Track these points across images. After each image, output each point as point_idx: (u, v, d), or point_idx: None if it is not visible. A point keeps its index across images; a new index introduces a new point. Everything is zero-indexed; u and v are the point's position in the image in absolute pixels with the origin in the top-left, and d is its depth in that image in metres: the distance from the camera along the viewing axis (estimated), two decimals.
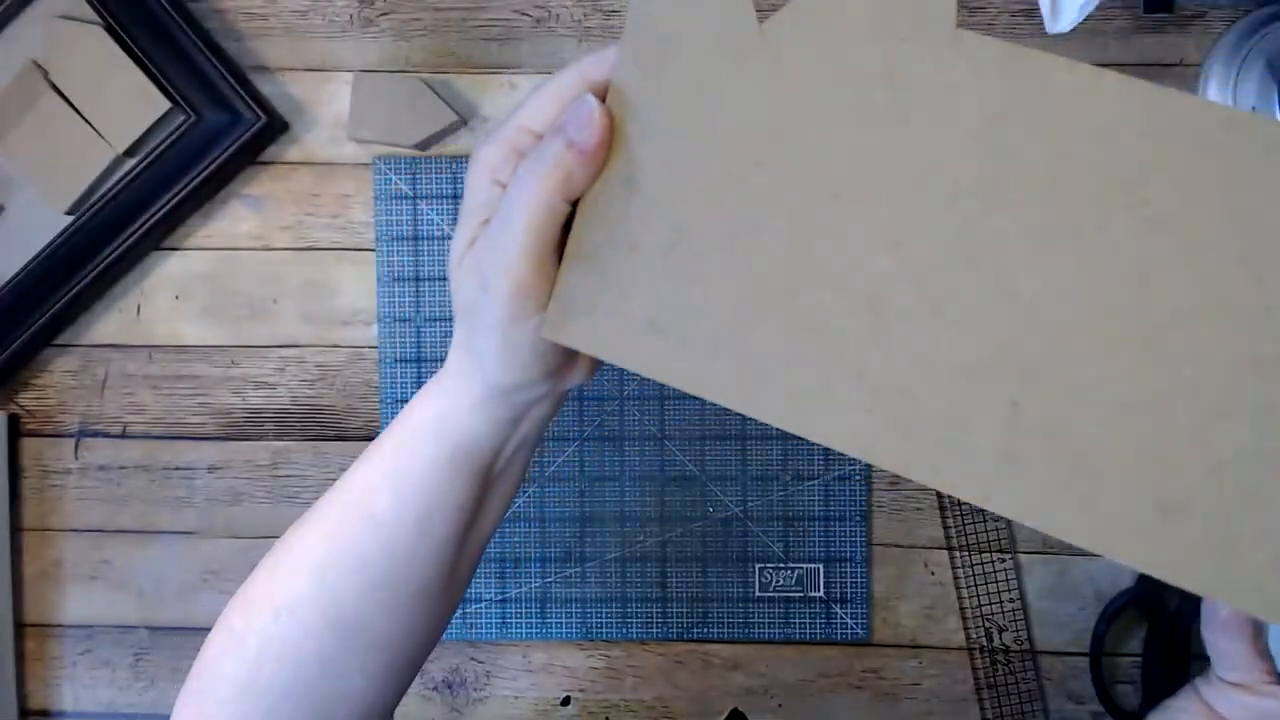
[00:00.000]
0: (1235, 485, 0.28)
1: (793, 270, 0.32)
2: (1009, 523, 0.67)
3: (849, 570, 0.67)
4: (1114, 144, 0.29)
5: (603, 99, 0.34)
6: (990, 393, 0.30)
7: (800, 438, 0.69)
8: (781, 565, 0.67)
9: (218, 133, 0.65)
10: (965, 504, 0.67)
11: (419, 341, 0.68)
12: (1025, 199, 0.29)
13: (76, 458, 0.69)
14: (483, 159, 0.35)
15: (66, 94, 0.65)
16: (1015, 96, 0.29)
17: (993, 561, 0.67)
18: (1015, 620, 0.67)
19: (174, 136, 0.64)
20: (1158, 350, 0.29)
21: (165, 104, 0.64)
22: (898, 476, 0.67)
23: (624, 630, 0.68)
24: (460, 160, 0.68)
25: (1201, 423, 0.28)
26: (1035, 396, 0.30)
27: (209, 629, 0.42)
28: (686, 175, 0.33)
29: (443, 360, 0.68)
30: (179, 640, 0.69)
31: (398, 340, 0.68)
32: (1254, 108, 0.62)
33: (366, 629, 0.40)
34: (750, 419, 0.67)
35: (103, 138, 0.65)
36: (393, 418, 0.68)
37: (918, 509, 0.67)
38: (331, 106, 0.68)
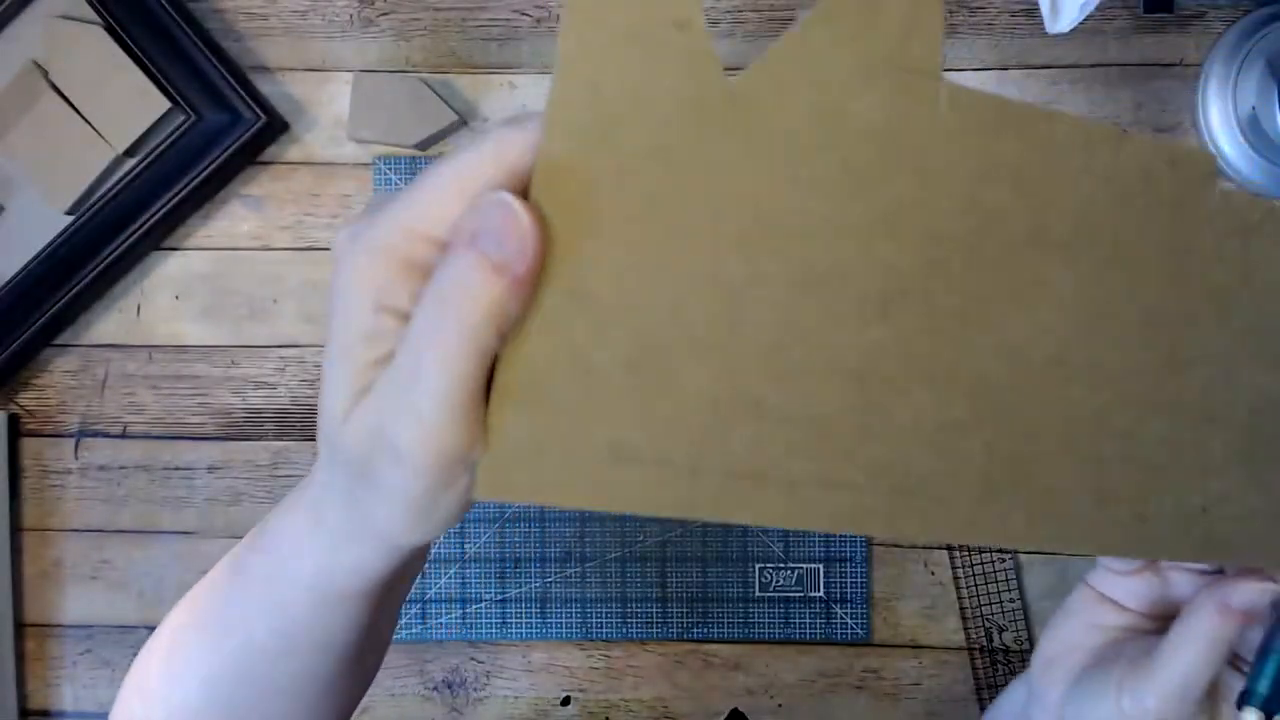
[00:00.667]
0: (1153, 465, 0.32)
1: (779, 362, 0.29)
2: None
3: (849, 570, 0.67)
4: (1083, 191, 0.30)
5: (523, 191, 0.26)
6: (972, 442, 0.31)
7: None
8: (781, 565, 0.67)
9: (218, 133, 0.65)
10: None
11: None
12: (1005, 254, 0.30)
13: (76, 458, 0.69)
14: (358, 276, 0.26)
15: (66, 94, 0.65)
16: (999, 152, 0.29)
17: (993, 561, 0.67)
18: (1015, 620, 0.67)
19: (174, 136, 0.64)
20: (1103, 372, 0.32)
21: (165, 104, 0.65)
22: None
23: (624, 630, 0.68)
24: None
25: (1132, 423, 0.32)
26: (1006, 436, 0.31)
27: None
28: (650, 272, 0.27)
29: None
30: None
31: None
32: (1253, 107, 0.62)
33: None
34: None
35: (103, 138, 0.65)
36: None
37: None
38: (331, 106, 0.68)
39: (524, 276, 0.25)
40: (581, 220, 0.27)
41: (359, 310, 0.26)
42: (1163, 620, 0.38)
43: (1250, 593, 0.34)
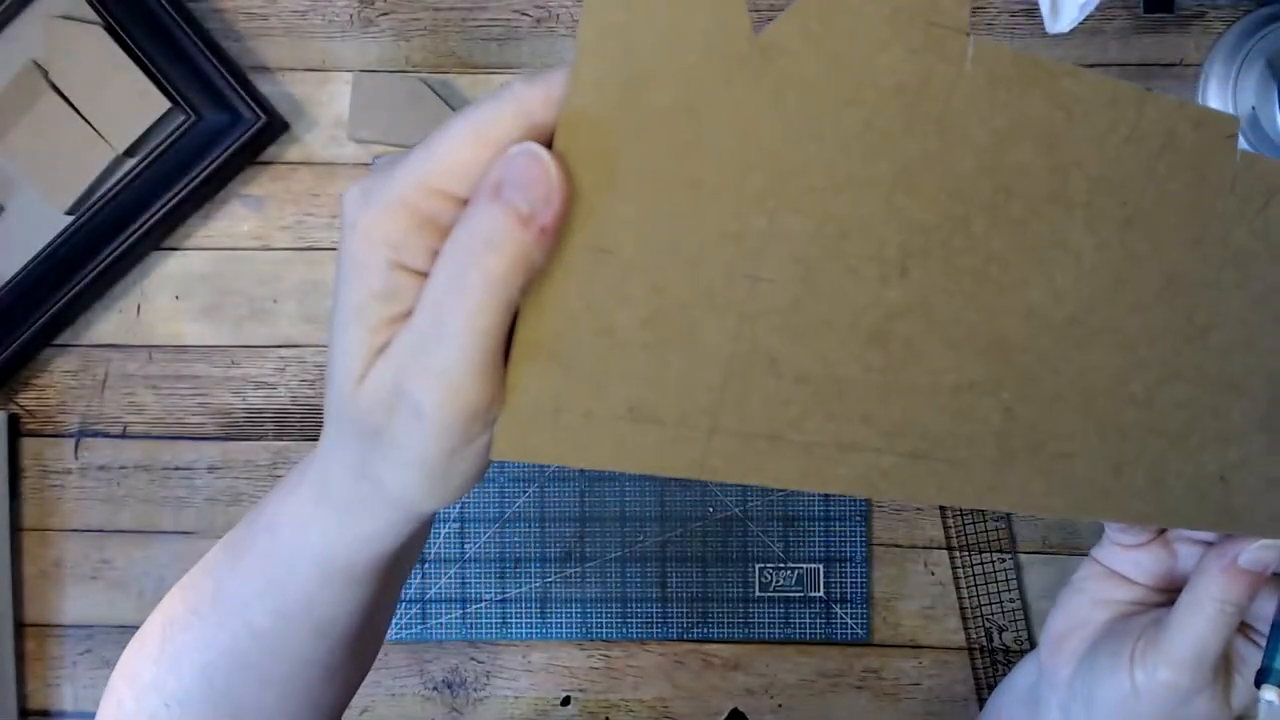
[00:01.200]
0: (1172, 433, 0.33)
1: (797, 320, 0.29)
2: (1009, 522, 0.67)
3: (849, 570, 0.67)
4: (1107, 150, 0.30)
5: (546, 144, 0.25)
6: (989, 405, 0.31)
7: None
8: (781, 565, 0.67)
9: (218, 133, 0.65)
10: None
11: None
12: (1026, 213, 0.30)
13: (76, 458, 0.69)
14: (371, 233, 0.25)
15: (66, 94, 0.65)
16: (1024, 110, 0.29)
17: (993, 561, 0.67)
18: (1015, 620, 0.67)
19: (174, 136, 0.64)
20: (1122, 336, 0.32)
21: (165, 104, 0.65)
22: None
23: (624, 630, 0.68)
24: None
25: (1151, 389, 0.32)
26: (1024, 399, 0.31)
27: None
28: (670, 228, 0.27)
29: None
30: None
31: None
32: (1253, 108, 0.62)
33: (271, 714, 0.37)
34: None
35: (103, 138, 0.65)
36: None
37: (918, 509, 0.67)
38: (332, 106, 0.68)
39: (551, 227, 0.25)
40: (605, 175, 0.26)
41: (373, 268, 0.26)
42: (1171, 593, 0.37)
43: (1257, 551, 0.33)
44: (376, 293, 0.26)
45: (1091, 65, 0.66)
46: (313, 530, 0.31)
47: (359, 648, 0.37)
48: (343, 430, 0.29)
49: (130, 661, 0.39)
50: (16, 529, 0.69)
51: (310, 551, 0.32)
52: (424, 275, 0.26)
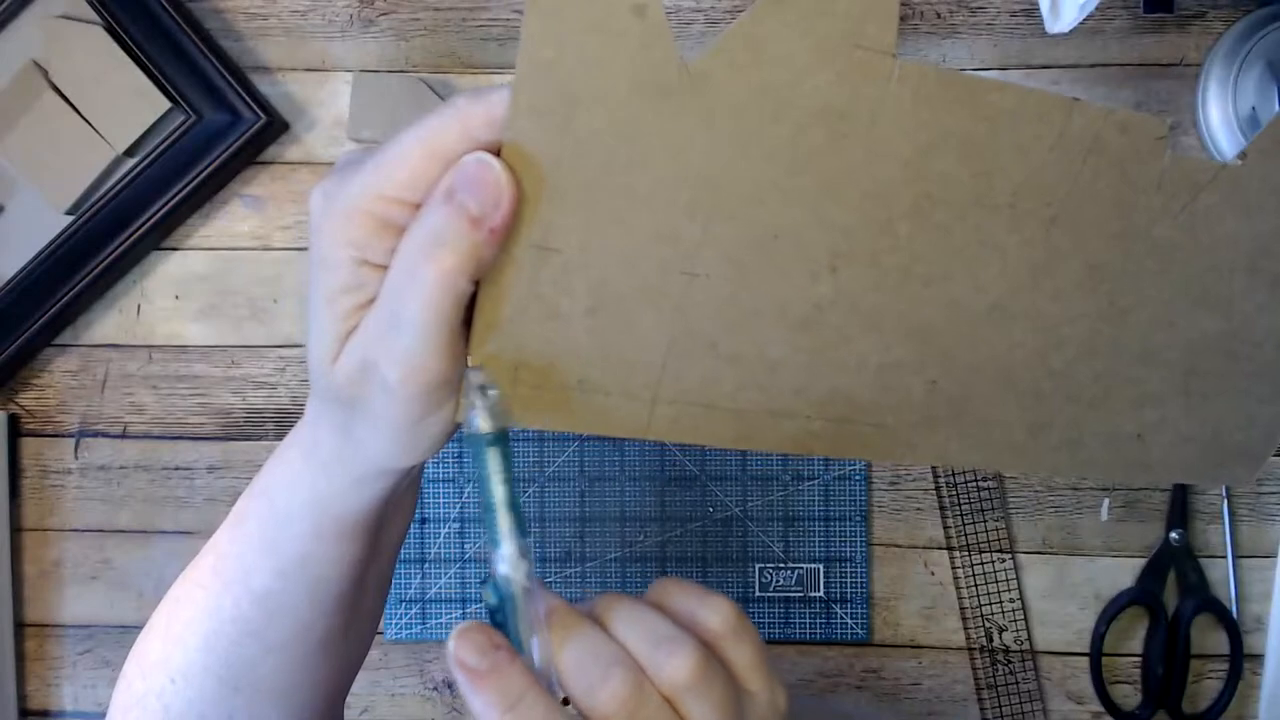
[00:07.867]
0: (1088, 399, 0.35)
1: (731, 310, 0.32)
2: (1009, 523, 0.67)
3: (849, 570, 0.67)
4: (1031, 158, 0.32)
5: (494, 154, 0.28)
6: (914, 380, 0.34)
7: None
8: (781, 565, 0.67)
9: (218, 133, 0.65)
10: (965, 504, 0.67)
11: None
12: (951, 218, 0.32)
13: (76, 458, 0.69)
14: (336, 236, 0.29)
15: (66, 94, 0.65)
16: (948, 124, 0.31)
17: (993, 561, 0.67)
18: (1015, 620, 0.67)
19: (174, 136, 0.64)
20: (1042, 319, 0.34)
21: (165, 104, 0.65)
22: (898, 476, 0.67)
23: None
24: None
25: (1069, 363, 0.35)
26: (947, 375, 0.34)
27: None
28: (608, 232, 0.30)
29: None
30: None
31: None
32: (1253, 107, 0.62)
33: (270, 686, 0.38)
34: None
35: (102, 137, 0.65)
36: None
37: (918, 509, 0.67)
38: (331, 106, 0.68)
39: (500, 227, 0.28)
40: (546, 184, 0.29)
41: (340, 264, 0.29)
42: None
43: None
44: (344, 286, 0.29)
45: (1091, 65, 0.66)
46: (304, 487, 0.34)
47: (354, 619, 0.39)
48: (325, 400, 0.32)
49: (140, 644, 0.41)
50: (16, 529, 0.69)
51: (302, 507, 0.35)
52: (385, 268, 0.29)
